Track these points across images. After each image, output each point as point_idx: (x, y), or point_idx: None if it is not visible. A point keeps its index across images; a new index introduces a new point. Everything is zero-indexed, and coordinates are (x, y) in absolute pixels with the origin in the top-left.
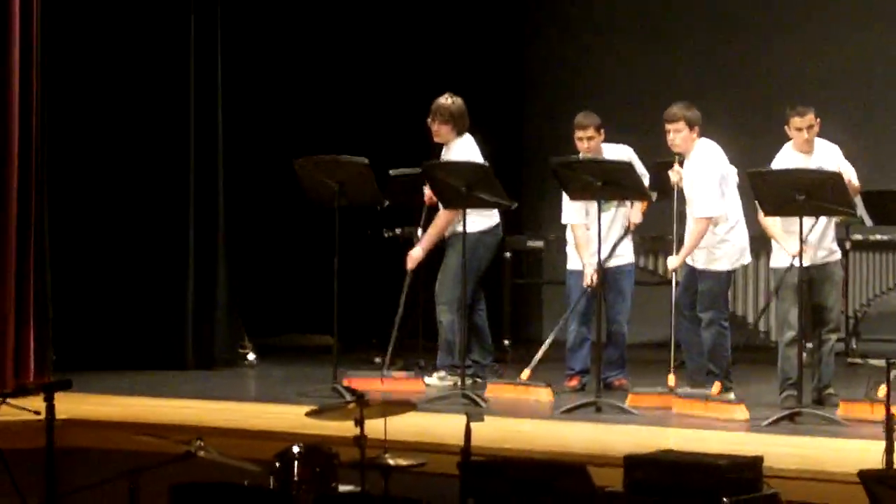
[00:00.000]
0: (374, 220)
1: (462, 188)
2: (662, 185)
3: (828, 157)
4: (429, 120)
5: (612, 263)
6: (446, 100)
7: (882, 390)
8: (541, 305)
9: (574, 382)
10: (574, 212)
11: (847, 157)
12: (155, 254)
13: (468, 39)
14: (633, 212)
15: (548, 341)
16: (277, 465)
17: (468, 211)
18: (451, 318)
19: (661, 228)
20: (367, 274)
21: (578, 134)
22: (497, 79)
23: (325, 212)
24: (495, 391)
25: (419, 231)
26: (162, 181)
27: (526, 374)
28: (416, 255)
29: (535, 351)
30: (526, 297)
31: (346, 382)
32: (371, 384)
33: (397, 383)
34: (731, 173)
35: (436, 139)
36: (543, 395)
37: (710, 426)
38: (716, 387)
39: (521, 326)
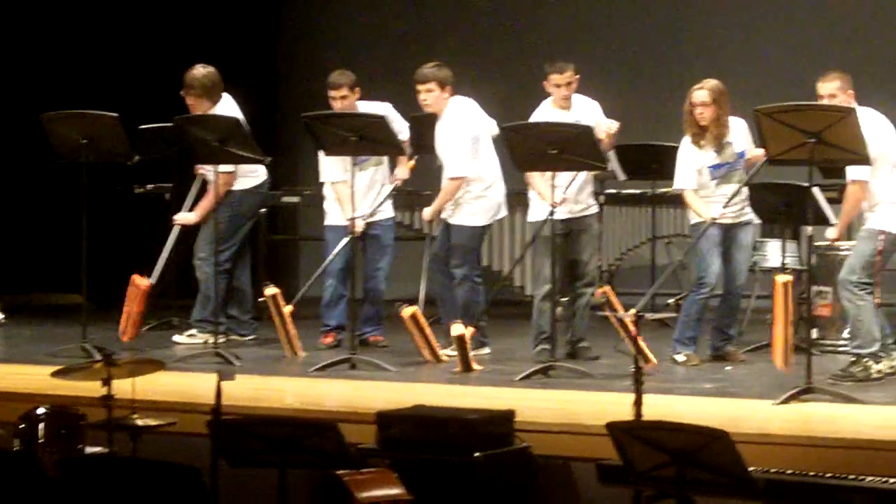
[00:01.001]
0: (124, 176)
1: (214, 142)
2: (420, 141)
3: (586, 112)
4: (182, 93)
5: (373, 218)
6: (197, 72)
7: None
8: (297, 261)
9: (329, 339)
10: (332, 169)
11: (610, 115)
12: None
13: None
14: (400, 168)
15: (303, 290)
16: (22, 426)
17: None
18: (209, 272)
19: (417, 183)
20: (116, 231)
21: (332, 93)
22: (251, 35)
23: (74, 167)
24: None
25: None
26: None
27: (290, 308)
28: (189, 218)
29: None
30: (282, 253)
31: None
32: None
33: None
34: (488, 130)
35: (194, 112)
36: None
37: (463, 381)
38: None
39: (277, 283)
